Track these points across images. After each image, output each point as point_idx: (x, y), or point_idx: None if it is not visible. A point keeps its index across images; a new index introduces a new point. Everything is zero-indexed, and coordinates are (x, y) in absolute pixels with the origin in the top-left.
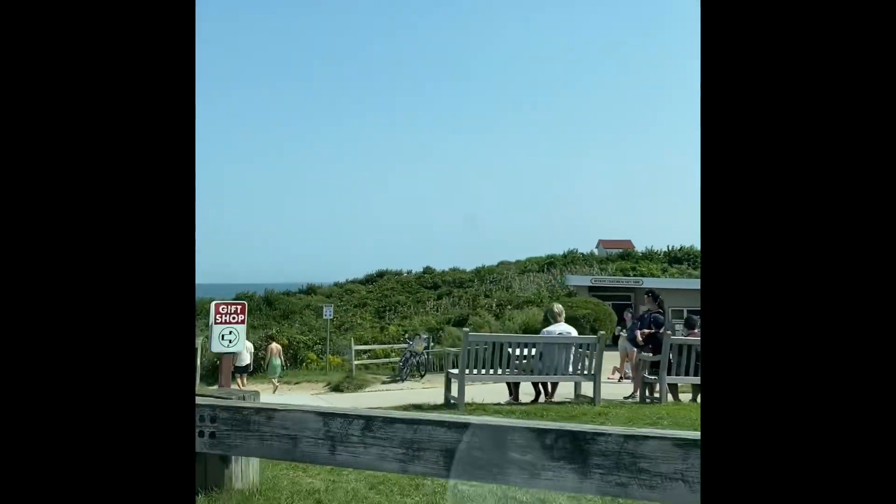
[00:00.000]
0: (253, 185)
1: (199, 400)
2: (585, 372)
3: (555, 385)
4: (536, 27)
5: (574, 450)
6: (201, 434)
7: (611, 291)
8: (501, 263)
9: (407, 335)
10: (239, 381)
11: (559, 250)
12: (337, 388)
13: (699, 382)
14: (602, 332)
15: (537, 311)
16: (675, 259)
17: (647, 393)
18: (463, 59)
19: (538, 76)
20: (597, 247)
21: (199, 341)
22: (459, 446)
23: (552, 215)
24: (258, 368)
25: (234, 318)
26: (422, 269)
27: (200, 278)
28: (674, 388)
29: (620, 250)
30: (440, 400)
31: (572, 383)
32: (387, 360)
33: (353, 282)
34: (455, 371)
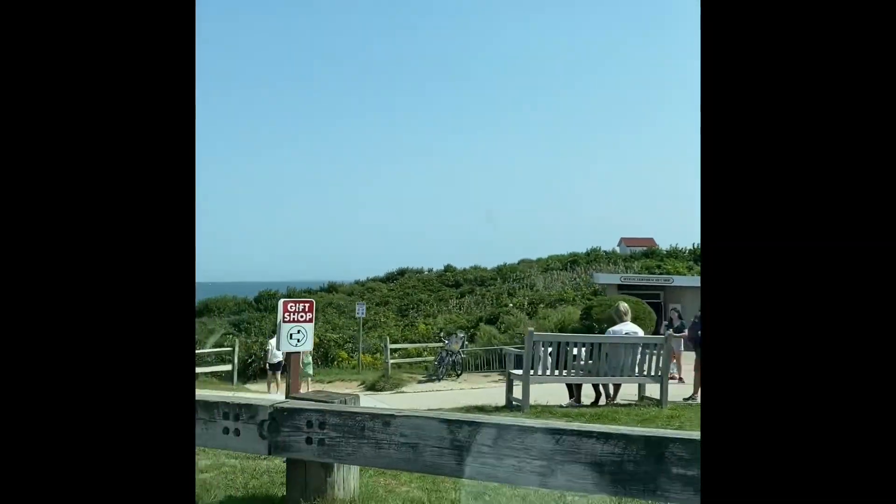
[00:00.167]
0: (272, 183)
1: (304, 405)
2: (652, 373)
3: (617, 387)
4: (546, 24)
5: None
6: (309, 441)
7: (641, 290)
8: (522, 261)
9: (442, 333)
10: (273, 380)
11: (579, 248)
12: (373, 388)
13: None
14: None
15: (572, 310)
16: (700, 257)
17: None
18: (467, 57)
19: (550, 73)
20: (618, 245)
21: (235, 341)
22: (608, 458)
23: (572, 213)
24: (289, 366)
25: (302, 316)
26: (443, 268)
27: (222, 276)
28: None
29: (644, 248)
30: (493, 401)
31: (635, 385)
32: (419, 358)
33: (374, 280)
34: (517, 372)
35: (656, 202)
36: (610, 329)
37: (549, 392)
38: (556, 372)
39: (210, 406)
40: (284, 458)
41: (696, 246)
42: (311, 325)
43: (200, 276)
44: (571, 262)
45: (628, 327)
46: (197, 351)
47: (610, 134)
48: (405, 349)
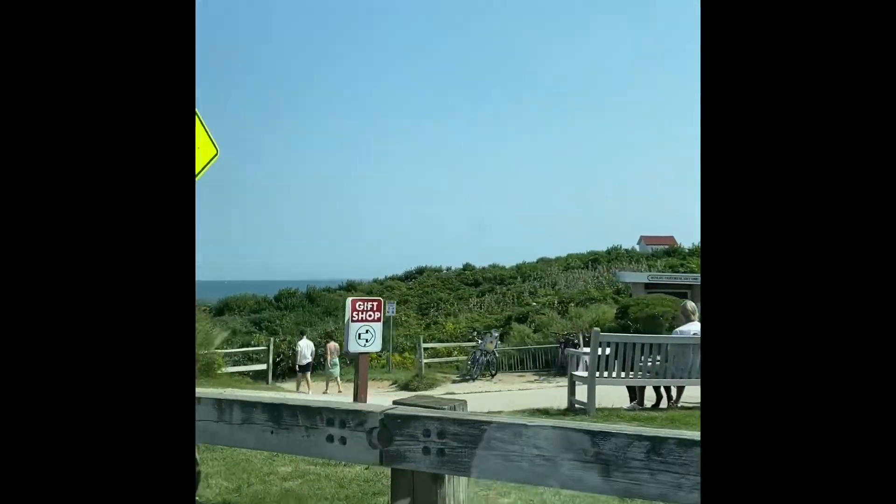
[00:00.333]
0: (289, 182)
1: (419, 411)
2: None
3: (680, 389)
4: (568, 26)
5: None
6: (426, 451)
7: (668, 288)
8: (541, 260)
9: (475, 333)
10: (303, 380)
11: (597, 246)
12: (406, 387)
13: None
14: None
15: (606, 309)
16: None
17: None
18: (486, 57)
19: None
20: (638, 243)
21: (270, 340)
22: None
23: (589, 211)
24: (317, 366)
25: (370, 315)
26: (461, 266)
27: (241, 275)
28: None
29: (665, 246)
30: (550, 403)
31: (696, 387)
32: (448, 358)
33: (392, 278)
34: (580, 373)
35: (674, 200)
36: (677, 329)
37: (602, 394)
38: (623, 374)
39: (312, 412)
40: (388, 467)
41: None
42: (380, 324)
43: (219, 275)
44: (592, 260)
45: (696, 327)
46: (226, 350)
47: (624, 130)
48: (433, 348)
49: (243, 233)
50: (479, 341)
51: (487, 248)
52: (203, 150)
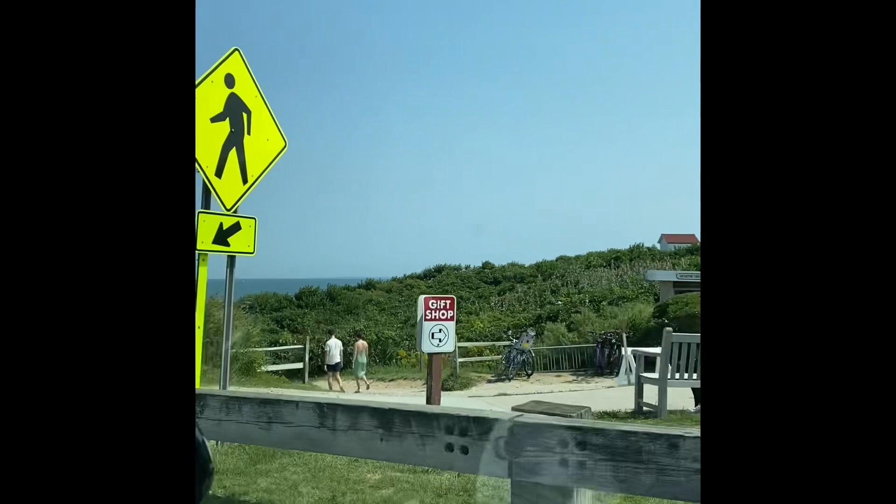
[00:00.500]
0: (307, 181)
1: (552, 420)
2: None
3: None
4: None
5: None
6: (564, 463)
7: (698, 287)
8: (561, 258)
9: (510, 331)
10: (332, 379)
11: (617, 245)
12: (442, 387)
13: None
14: None
15: (643, 307)
16: None
17: None
18: (505, 55)
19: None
20: (659, 241)
21: (306, 339)
22: None
23: (610, 209)
24: (347, 365)
25: (444, 314)
26: (481, 264)
27: (261, 273)
28: None
29: (687, 245)
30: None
31: None
32: (480, 357)
33: (411, 277)
34: (650, 375)
35: (694, 197)
36: None
37: (651, 395)
38: (695, 375)
39: (428, 418)
40: (507, 479)
41: None
42: (453, 323)
43: (239, 273)
44: (614, 258)
45: None
46: (257, 349)
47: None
48: (465, 347)
49: (263, 231)
50: (515, 340)
51: (505, 247)
52: (272, 142)
